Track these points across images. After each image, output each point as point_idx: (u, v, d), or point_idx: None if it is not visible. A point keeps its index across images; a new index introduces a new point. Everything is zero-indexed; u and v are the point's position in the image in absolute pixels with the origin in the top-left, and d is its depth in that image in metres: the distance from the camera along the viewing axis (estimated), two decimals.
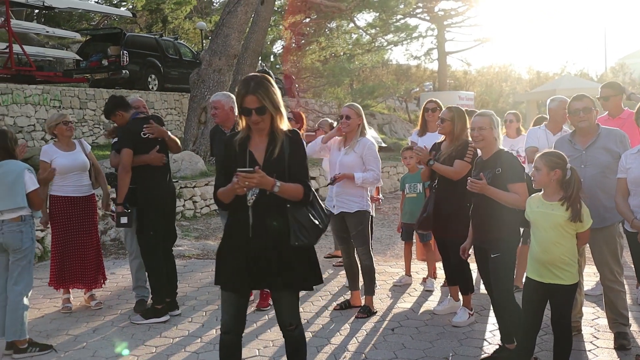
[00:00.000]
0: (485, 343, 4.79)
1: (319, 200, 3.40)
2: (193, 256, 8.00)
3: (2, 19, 15.01)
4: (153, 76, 18.01)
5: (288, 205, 3.20)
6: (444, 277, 5.75)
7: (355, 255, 5.64)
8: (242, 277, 3.27)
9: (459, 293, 5.38)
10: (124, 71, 16.74)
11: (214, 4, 39.56)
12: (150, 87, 17.79)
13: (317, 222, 3.27)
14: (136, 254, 5.74)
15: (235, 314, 3.39)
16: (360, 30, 25.41)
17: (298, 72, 23.39)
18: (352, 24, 26.08)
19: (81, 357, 4.69)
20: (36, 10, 23.52)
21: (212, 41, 13.44)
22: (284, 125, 3.28)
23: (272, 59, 29.28)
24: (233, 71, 13.33)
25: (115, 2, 32.91)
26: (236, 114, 5.70)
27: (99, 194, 6.70)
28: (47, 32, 18.31)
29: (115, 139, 5.71)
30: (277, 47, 27.49)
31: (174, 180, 8.79)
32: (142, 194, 5.43)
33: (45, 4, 16.49)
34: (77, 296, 6.14)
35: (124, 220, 5.41)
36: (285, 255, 3.23)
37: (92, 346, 4.91)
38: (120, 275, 7.10)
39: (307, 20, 22.84)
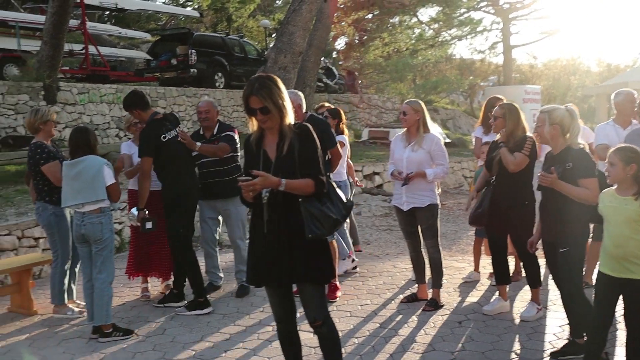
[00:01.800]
0: (554, 338, 4.79)
1: (337, 193, 3.48)
2: None
3: (79, 21, 15.66)
4: (220, 74, 18.41)
5: (300, 200, 3.29)
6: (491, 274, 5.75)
7: (422, 249, 5.73)
8: (264, 271, 3.41)
9: (527, 288, 5.38)
10: (191, 70, 17.20)
11: (277, 2, 39.96)
12: (217, 84, 18.20)
13: (331, 213, 3.34)
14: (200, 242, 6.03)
15: (280, 303, 3.54)
16: (424, 25, 25.23)
17: (361, 68, 23.42)
18: (415, 19, 25.96)
19: (161, 343, 4.95)
20: (107, 12, 24.39)
21: (277, 39, 13.67)
22: (290, 121, 3.37)
23: (334, 56, 29.40)
24: (298, 68, 13.51)
25: (182, 2, 33.79)
26: (303, 111, 5.94)
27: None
28: (120, 33, 19.01)
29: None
30: (339, 44, 27.53)
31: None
32: (168, 192, 5.67)
33: (118, 6, 17.12)
34: (154, 285, 6.44)
35: (149, 225, 5.62)
36: (301, 248, 3.33)
37: (171, 332, 5.17)
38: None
39: (370, 16, 22.84)
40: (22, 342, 5.06)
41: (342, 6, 20.51)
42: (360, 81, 24.71)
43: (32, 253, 6.75)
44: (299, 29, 13.11)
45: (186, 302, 5.82)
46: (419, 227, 5.61)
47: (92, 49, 15.88)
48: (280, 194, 3.28)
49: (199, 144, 5.79)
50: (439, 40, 25.92)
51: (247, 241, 6.25)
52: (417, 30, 26.37)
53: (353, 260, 6.93)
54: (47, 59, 12.85)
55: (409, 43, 25.31)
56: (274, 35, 34.72)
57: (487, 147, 6.47)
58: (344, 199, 3.51)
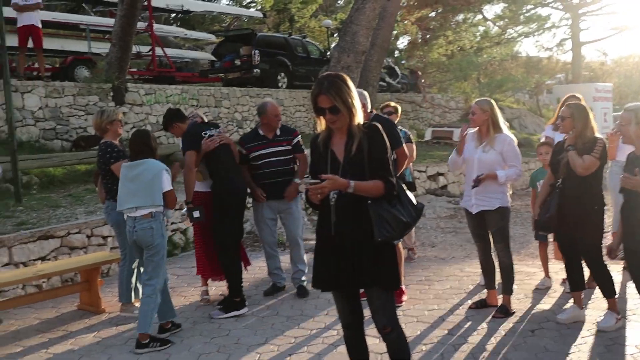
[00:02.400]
0: (635, 350, 4.51)
1: (407, 195, 3.36)
2: None
3: (146, 24, 15.99)
4: (282, 74, 18.48)
5: (369, 202, 3.19)
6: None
7: (492, 253, 5.52)
8: (331, 276, 3.31)
9: (606, 299, 5.10)
10: (255, 70, 17.32)
11: (339, 2, 39.99)
12: (280, 85, 18.28)
13: (401, 216, 3.22)
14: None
15: (348, 308, 3.44)
16: (489, 23, 24.67)
17: (424, 67, 23.09)
18: (479, 16, 25.42)
19: (225, 344, 4.92)
20: (172, 15, 24.85)
21: (340, 38, 13.61)
22: (359, 121, 3.27)
23: (396, 55, 29.15)
24: (361, 68, 13.41)
25: (245, 3, 34.18)
26: (368, 110, 5.83)
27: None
28: (185, 34, 19.33)
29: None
30: (402, 43, 27.26)
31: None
32: (216, 191, 5.69)
33: (184, 8, 17.40)
34: (220, 285, 6.44)
35: (196, 214, 5.61)
36: (369, 252, 3.22)
37: (235, 334, 5.15)
38: (256, 267, 7.35)
39: (433, 14, 22.48)
40: (89, 341, 5.13)
41: (405, 4, 20.27)
42: (423, 80, 24.38)
43: (101, 252, 6.87)
44: (362, 28, 13.03)
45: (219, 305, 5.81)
46: (489, 230, 5.42)
47: (158, 50, 16.18)
48: (349, 195, 3.19)
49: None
50: (505, 37, 25.29)
51: (310, 242, 6.33)
52: (481, 28, 25.83)
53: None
54: (116, 60, 13.16)
55: (473, 41, 24.81)
56: (336, 35, 34.75)
57: (544, 148, 6.24)
58: (414, 202, 3.38)
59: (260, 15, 23.64)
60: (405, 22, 21.29)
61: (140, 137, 5.06)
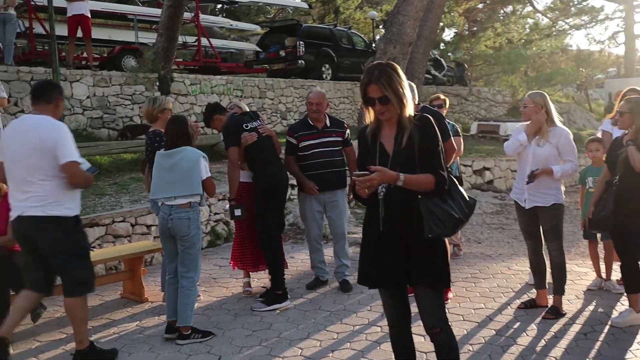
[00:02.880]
0: None
1: (460, 190, 3.21)
2: None
3: (192, 14, 16.04)
4: (327, 66, 18.36)
5: (419, 197, 3.06)
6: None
7: (544, 252, 5.32)
8: (379, 272, 3.18)
9: None
10: (299, 61, 17.25)
11: None
12: (324, 76, 18.17)
13: (453, 212, 3.08)
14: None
15: (395, 306, 3.32)
16: (538, 14, 24.04)
17: (470, 60, 22.65)
18: (529, 8, 24.79)
19: (267, 338, 4.85)
20: (218, 5, 24.91)
21: (387, 29, 13.39)
22: (410, 112, 3.13)
23: (441, 47, 28.70)
24: (407, 60, 13.18)
25: None
26: (416, 102, 5.67)
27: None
28: (231, 25, 19.36)
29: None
30: (447, 35, 26.76)
31: None
32: (259, 182, 5.59)
33: None
34: (261, 277, 6.39)
35: (237, 212, 5.52)
36: (419, 248, 3.09)
37: (277, 328, 5.08)
38: (299, 260, 7.30)
39: (481, 5, 22.02)
40: (132, 329, 5.14)
41: None
42: (469, 73, 23.95)
43: (144, 241, 6.89)
44: (410, 19, 12.76)
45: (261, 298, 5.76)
46: (541, 227, 5.22)
47: (204, 41, 16.23)
48: (398, 189, 3.06)
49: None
50: (556, 29, 24.61)
51: (353, 235, 6.23)
52: (531, 20, 25.18)
53: None
54: (162, 50, 13.23)
55: (522, 33, 24.20)
56: (381, 26, 34.44)
57: (594, 144, 5.99)
58: (466, 196, 3.24)
59: (305, 6, 23.53)
60: (453, 13, 20.86)
61: (176, 124, 4.88)
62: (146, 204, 7.47)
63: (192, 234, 4.77)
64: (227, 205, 5.74)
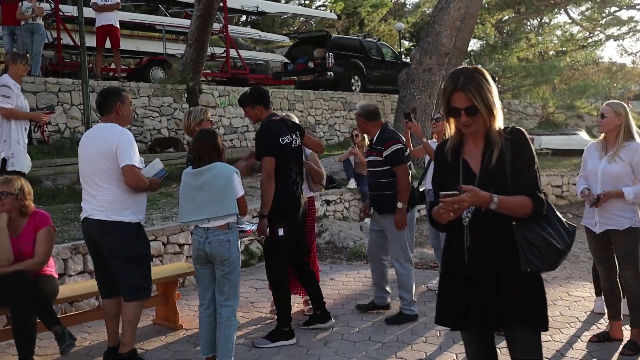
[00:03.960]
0: None
1: (557, 214, 2.74)
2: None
3: (220, 25, 15.76)
4: (356, 77, 17.99)
5: (513, 223, 2.61)
6: None
7: (618, 279, 4.82)
8: (463, 312, 2.72)
9: None
10: (329, 73, 16.89)
11: (407, 7, 39.46)
12: (353, 88, 17.79)
13: (554, 241, 2.63)
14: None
15: (481, 351, 2.85)
16: (572, 25, 23.40)
17: (503, 72, 22.10)
18: (564, 18, 24.20)
19: None
20: (243, 16, 24.69)
21: (422, 39, 12.99)
22: (499, 125, 2.68)
23: (468, 59, 28.20)
24: (443, 71, 12.74)
25: (314, 7, 33.90)
26: None
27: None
28: (260, 36, 19.07)
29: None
30: (476, 45, 26.22)
31: None
32: (275, 201, 4.93)
33: (259, 9, 17.13)
34: (294, 301, 5.91)
35: (281, 232, 4.92)
36: (513, 284, 2.64)
37: (317, 353, 4.62)
38: (340, 282, 6.84)
39: (507, 18, 21.48)
40: None
41: (485, 6, 19.39)
42: (499, 85, 23.40)
43: (178, 262, 6.47)
44: (446, 29, 12.36)
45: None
46: (615, 253, 4.72)
47: (232, 52, 15.93)
48: (487, 215, 2.61)
49: None
50: (592, 40, 23.96)
51: (411, 267, 5.72)
52: (564, 31, 24.53)
53: None
54: (191, 61, 12.95)
55: (557, 44, 23.58)
56: (407, 38, 34.07)
57: None
58: (565, 223, 2.77)
59: (334, 16, 23.17)
60: (484, 24, 20.37)
61: (206, 138, 4.38)
62: (177, 221, 7.07)
63: (232, 258, 4.31)
64: (254, 225, 5.09)
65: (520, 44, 21.68)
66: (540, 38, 22.97)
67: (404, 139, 5.62)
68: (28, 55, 11.36)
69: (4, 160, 6.31)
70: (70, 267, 5.73)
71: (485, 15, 19.65)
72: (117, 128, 4.29)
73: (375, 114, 5.57)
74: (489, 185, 2.62)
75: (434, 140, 6.35)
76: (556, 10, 20.84)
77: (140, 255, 4.38)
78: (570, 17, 20.90)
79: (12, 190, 4.33)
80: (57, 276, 4.70)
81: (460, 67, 2.80)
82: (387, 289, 5.80)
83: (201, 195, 4.27)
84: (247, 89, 14.24)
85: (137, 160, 4.24)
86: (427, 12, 40.11)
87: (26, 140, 6.62)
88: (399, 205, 5.36)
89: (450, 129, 2.80)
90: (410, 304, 5.49)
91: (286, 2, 28.76)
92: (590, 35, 23.43)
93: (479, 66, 2.84)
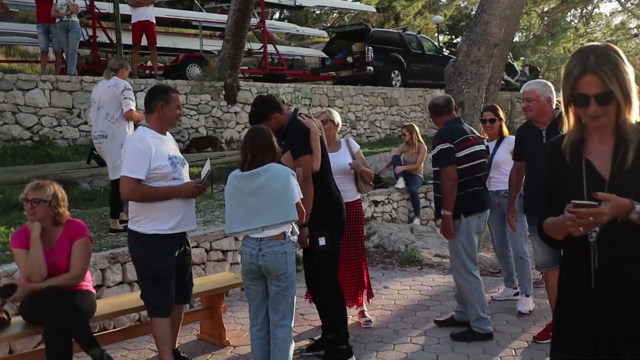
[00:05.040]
0: None
1: None
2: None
3: (258, 19, 15.34)
4: (396, 72, 17.39)
5: None
6: None
7: None
8: (587, 341, 2.22)
9: None
10: (368, 68, 16.35)
11: (441, 1, 38.68)
12: (394, 83, 17.20)
13: None
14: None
15: None
16: (622, 14, 22.38)
17: (548, 64, 21.25)
18: (606, 8, 23.23)
19: None
20: (277, 10, 24.25)
21: (469, 30, 12.37)
22: (637, 117, 2.16)
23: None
24: (492, 62, 12.11)
25: (349, 1, 33.39)
26: (554, 106, 4.64)
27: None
28: (297, 30, 18.63)
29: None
30: (520, 37, 25.30)
31: None
32: (320, 205, 4.35)
33: (297, 3, 16.69)
34: (352, 313, 5.43)
35: (322, 242, 4.37)
36: None
37: None
38: (395, 291, 6.33)
39: (559, 4, 20.60)
40: None
41: None
42: (542, 77, 22.59)
43: (225, 272, 6.00)
44: (495, 18, 11.71)
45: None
46: None
47: (270, 47, 15.51)
48: (620, 228, 2.09)
49: None
50: None
51: (473, 279, 5.09)
52: (617, 20, 23.52)
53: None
54: (229, 57, 12.55)
55: (607, 33, 22.60)
56: (445, 31, 33.29)
57: None
58: None
59: (373, 9, 22.58)
60: (530, 14, 19.57)
61: (260, 137, 3.90)
62: (221, 226, 6.65)
63: (289, 272, 3.85)
64: (294, 236, 4.56)
65: (567, 33, 20.81)
66: (589, 27, 22.03)
67: (475, 135, 5.00)
68: (64, 54, 11.13)
69: None
70: (109, 278, 5.33)
71: (530, 5, 18.86)
72: (131, 136, 4.16)
73: (440, 108, 5.01)
74: (623, 193, 2.08)
75: (485, 138, 5.74)
76: None
77: (149, 270, 4.02)
78: (621, 4, 19.96)
79: (44, 197, 3.93)
80: (94, 291, 4.30)
81: (588, 44, 2.26)
82: None
83: (255, 200, 3.80)
84: (286, 85, 13.90)
85: (139, 169, 3.89)
86: (463, 4, 39.52)
87: None
88: (443, 211, 4.80)
89: (568, 121, 2.28)
90: (480, 321, 4.87)
91: None
92: None
93: (609, 43, 2.30)
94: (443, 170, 4.72)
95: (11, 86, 9.73)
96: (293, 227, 3.94)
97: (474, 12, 37.03)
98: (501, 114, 5.89)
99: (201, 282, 5.05)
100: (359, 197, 5.30)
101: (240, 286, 5.21)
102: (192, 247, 5.99)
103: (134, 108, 6.33)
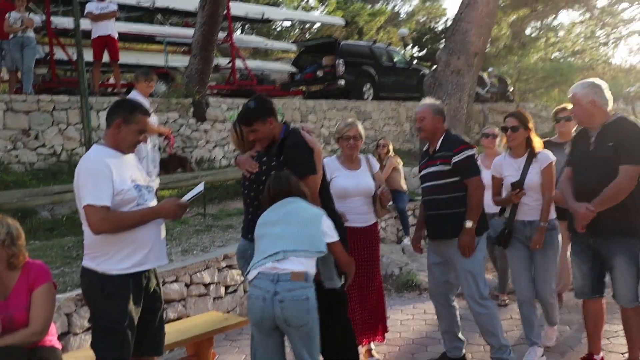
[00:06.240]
0: None
1: None
2: None
3: (225, 33, 14.71)
4: (368, 85, 16.92)
5: None
6: None
7: None
8: None
9: None
10: (339, 81, 15.84)
11: (401, 16, 39.05)
12: (365, 96, 16.72)
13: None
14: None
15: None
16: (590, 22, 22.33)
17: (518, 74, 21.06)
18: (569, 17, 23.25)
19: None
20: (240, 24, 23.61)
21: (447, 39, 11.93)
22: None
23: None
24: (472, 72, 11.68)
25: (316, 14, 33.05)
26: (607, 108, 4.08)
27: None
28: (266, 45, 18.03)
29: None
30: (490, 47, 25.14)
31: None
32: None
33: (264, 17, 16.13)
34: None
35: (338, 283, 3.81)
36: None
37: None
38: (397, 322, 5.71)
39: (529, 14, 20.46)
40: None
41: (501, 5, 18.41)
42: (512, 88, 22.43)
43: (209, 312, 5.15)
44: (474, 26, 11.28)
45: None
46: None
47: (238, 62, 14.88)
48: None
49: None
50: (614, 37, 22.90)
51: (490, 303, 4.56)
52: (584, 29, 23.47)
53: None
54: (197, 73, 11.92)
55: (577, 42, 22.54)
56: (410, 45, 33.16)
57: None
58: None
59: (342, 22, 22.16)
60: (500, 24, 19.35)
61: (282, 182, 3.45)
62: (201, 255, 5.97)
63: (312, 319, 3.20)
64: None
65: (538, 43, 20.66)
66: (558, 37, 21.92)
67: None
68: (18, 72, 10.32)
69: None
70: (75, 323, 4.58)
71: (500, 15, 18.66)
72: (85, 156, 3.37)
73: (445, 113, 4.53)
74: None
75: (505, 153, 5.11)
76: (576, 6, 19.81)
77: (100, 318, 3.27)
78: (591, 13, 19.84)
79: None
80: (59, 346, 3.57)
81: None
82: (461, 336, 4.62)
83: (279, 228, 3.27)
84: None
85: (102, 193, 3.15)
86: (421, 20, 39.67)
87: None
88: (468, 224, 4.24)
89: None
90: (502, 350, 4.32)
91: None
92: (613, 31, 22.38)
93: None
94: (474, 179, 4.27)
95: None
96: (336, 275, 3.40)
97: (437, 26, 37.42)
98: (530, 122, 4.55)
99: (185, 325, 4.36)
100: (375, 220, 4.78)
101: (231, 328, 4.50)
102: (170, 282, 5.32)
103: None
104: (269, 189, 3.41)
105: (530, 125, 4.51)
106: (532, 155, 4.51)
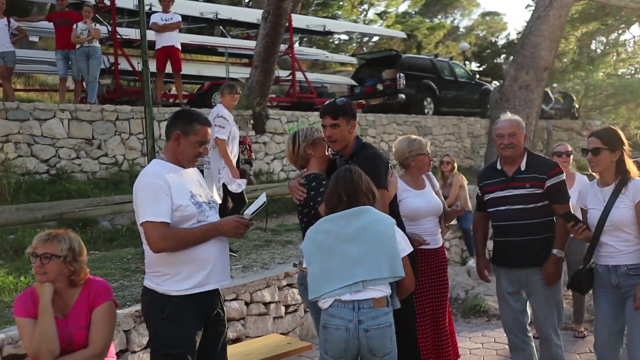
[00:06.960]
0: None
1: None
2: None
3: (286, 45, 14.64)
4: (429, 99, 16.57)
5: None
6: None
7: None
8: None
9: None
10: (400, 95, 15.53)
11: (460, 30, 38.79)
12: (426, 111, 16.36)
13: None
14: None
15: None
16: None
17: (585, 90, 20.33)
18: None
19: None
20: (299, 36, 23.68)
21: (516, 53, 11.59)
22: None
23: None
24: (541, 87, 11.26)
25: (376, 27, 32.97)
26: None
27: None
28: (327, 57, 17.90)
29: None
30: (557, 62, 24.46)
31: None
32: None
33: (326, 29, 16.02)
34: None
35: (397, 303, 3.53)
36: None
37: None
38: (467, 351, 5.38)
39: (599, 28, 19.77)
40: None
41: (568, 19, 17.83)
42: (577, 105, 21.67)
43: (271, 335, 4.90)
44: (545, 40, 10.93)
45: None
46: None
47: (299, 75, 14.78)
48: None
49: None
50: None
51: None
52: None
53: None
54: (257, 85, 11.84)
55: None
56: (470, 59, 32.67)
57: None
58: None
59: (404, 35, 21.88)
60: (568, 38, 18.73)
61: (353, 178, 3.16)
62: (261, 273, 5.79)
63: (394, 350, 2.97)
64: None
65: (608, 58, 19.91)
66: (629, 52, 21.08)
67: None
68: (84, 82, 10.45)
69: (224, 186, 6.55)
70: (134, 341, 4.45)
71: (568, 29, 18.06)
72: (144, 170, 3.20)
73: None
74: None
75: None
76: None
77: (165, 344, 3.04)
78: None
79: (57, 252, 3.06)
80: None
81: None
82: None
83: (355, 247, 2.99)
84: (316, 113, 13.13)
85: (161, 209, 2.99)
86: (481, 34, 39.16)
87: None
88: (557, 252, 3.92)
89: None
90: None
91: None
92: None
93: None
94: (566, 206, 3.96)
95: (27, 116, 9.01)
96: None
97: (498, 40, 36.79)
98: (619, 141, 3.68)
99: (247, 349, 4.15)
100: (442, 242, 4.51)
101: (294, 354, 4.26)
102: (230, 300, 5.14)
103: (221, 137, 6.36)
104: (337, 183, 3.15)
105: (621, 145, 3.68)
106: (622, 183, 3.64)
